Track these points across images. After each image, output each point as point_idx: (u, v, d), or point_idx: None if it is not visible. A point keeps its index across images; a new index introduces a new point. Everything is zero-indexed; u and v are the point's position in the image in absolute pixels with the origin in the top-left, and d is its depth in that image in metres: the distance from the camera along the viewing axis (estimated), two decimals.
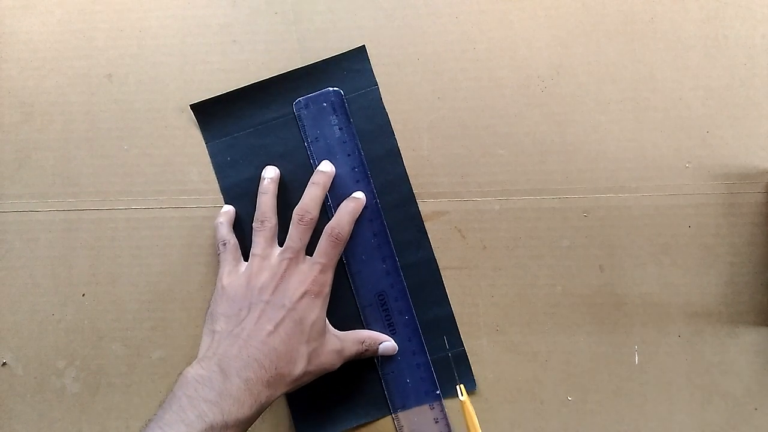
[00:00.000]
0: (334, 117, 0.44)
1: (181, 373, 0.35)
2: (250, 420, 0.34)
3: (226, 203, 0.45)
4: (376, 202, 0.44)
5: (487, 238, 0.44)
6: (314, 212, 0.42)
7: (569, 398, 0.43)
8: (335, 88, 0.44)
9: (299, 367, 0.37)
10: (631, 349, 0.44)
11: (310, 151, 0.44)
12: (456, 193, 0.44)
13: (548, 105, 0.44)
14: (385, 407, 0.43)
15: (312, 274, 0.40)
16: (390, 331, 0.44)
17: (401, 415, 0.43)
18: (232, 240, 0.43)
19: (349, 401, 0.43)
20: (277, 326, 0.38)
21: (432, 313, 0.44)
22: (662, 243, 0.44)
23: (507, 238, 0.44)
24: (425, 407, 0.43)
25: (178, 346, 0.44)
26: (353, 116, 0.45)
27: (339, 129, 0.44)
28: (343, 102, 0.44)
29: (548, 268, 0.44)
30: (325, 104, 0.44)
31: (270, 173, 0.43)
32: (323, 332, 0.40)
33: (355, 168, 0.44)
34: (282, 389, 0.37)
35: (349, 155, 0.44)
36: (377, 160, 0.44)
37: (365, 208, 0.44)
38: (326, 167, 0.43)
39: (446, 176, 0.44)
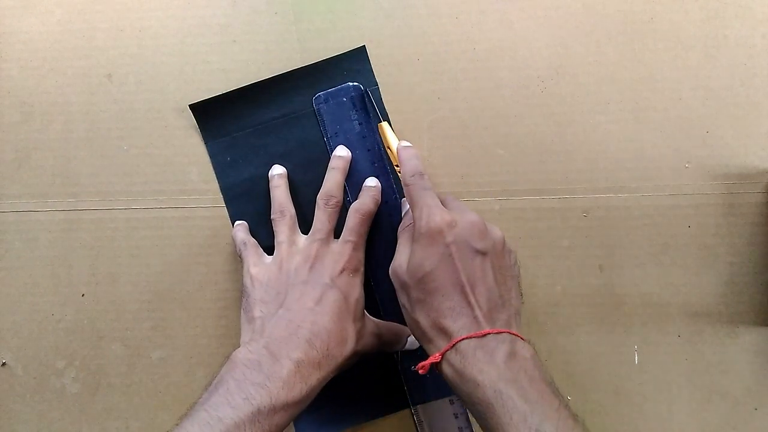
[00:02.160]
0: (354, 112, 0.44)
1: (228, 357, 0.34)
2: (300, 404, 0.33)
3: (226, 203, 0.45)
4: (396, 197, 0.44)
5: None
6: (338, 195, 0.42)
7: (569, 398, 0.43)
8: (355, 84, 0.44)
9: (349, 347, 0.36)
10: (630, 349, 0.44)
11: (330, 146, 0.44)
12: (456, 193, 0.44)
13: (548, 105, 0.44)
14: (405, 401, 0.43)
15: (346, 252, 0.40)
16: None
17: (420, 409, 0.43)
18: (251, 240, 0.43)
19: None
20: (321, 304, 0.36)
21: None
22: (662, 243, 0.44)
23: (507, 237, 0.44)
24: (445, 402, 0.43)
25: (178, 346, 0.44)
26: None
27: (359, 124, 0.44)
28: (363, 97, 0.44)
29: (548, 268, 0.44)
30: (344, 99, 0.44)
31: (278, 170, 0.44)
32: (363, 313, 0.39)
33: (375, 163, 0.44)
34: (332, 371, 0.35)
35: (369, 150, 0.44)
36: None
37: (386, 203, 0.44)
38: (342, 152, 0.43)
39: (446, 176, 0.44)
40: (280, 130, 0.45)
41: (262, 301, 0.38)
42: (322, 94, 0.44)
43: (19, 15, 0.46)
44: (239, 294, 0.44)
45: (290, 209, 0.42)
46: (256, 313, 0.38)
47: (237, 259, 0.44)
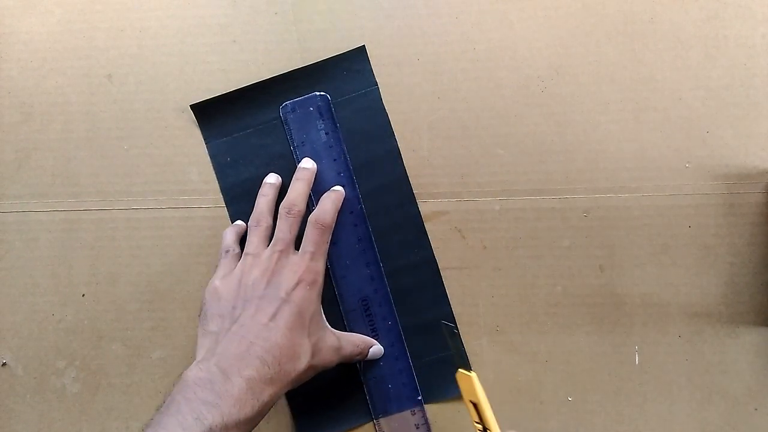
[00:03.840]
0: (321, 122, 0.44)
1: (180, 376, 0.34)
2: (252, 421, 0.33)
3: (226, 203, 0.45)
4: (361, 207, 0.44)
5: (487, 238, 0.44)
6: (301, 205, 0.41)
7: (569, 398, 0.43)
8: (322, 93, 0.44)
9: (303, 362, 0.36)
10: (631, 349, 0.44)
11: (296, 155, 0.44)
12: (456, 193, 0.44)
13: (548, 105, 0.44)
14: (367, 413, 0.43)
15: (303, 263, 0.39)
16: (373, 336, 0.43)
17: (383, 421, 0.43)
18: (235, 249, 0.42)
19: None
20: (275, 319, 0.37)
21: (432, 313, 0.44)
22: (662, 243, 0.44)
23: (507, 238, 0.44)
24: (407, 413, 0.43)
25: (178, 346, 0.44)
26: (353, 116, 0.45)
27: (325, 134, 0.44)
28: (330, 107, 0.44)
29: (548, 268, 0.44)
30: (311, 109, 0.44)
31: (272, 179, 0.44)
32: (321, 326, 0.39)
33: (340, 173, 0.44)
34: (285, 387, 0.35)
35: (335, 160, 0.44)
36: (377, 161, 0.44)
37: (350, 213, 0.44)
38: (308, 164, 0.43)
39: (446, 176, 0.44)
40: (281, 130, 0.45)
41: (218, 314, 0.38)
42: (289, 103, 0.44)
43: (19, 15, 0.46)
44: None
45: (267, 221, 0.42)
46: (212, 327, 0.38)
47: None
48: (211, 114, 0.45)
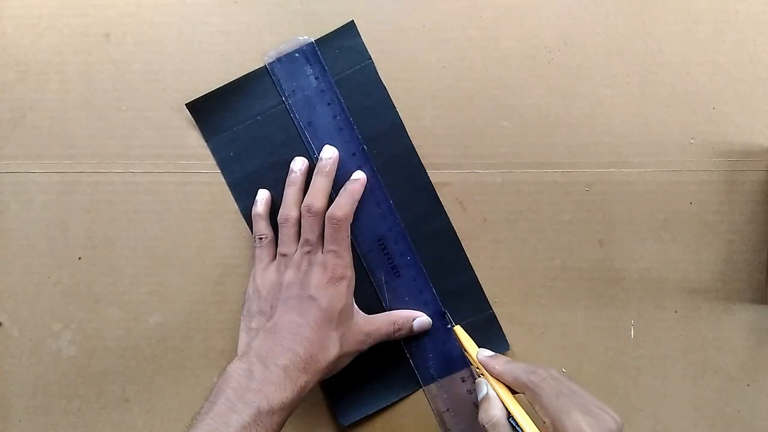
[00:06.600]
0: (309, 67, 0.43)
1: (224, 369, 0.37)
2: (294, 403, 0.36)
3: (235, 198, 0.44)
4: (363, 148, 0.43)
5: (488, 210, 0.44)
6: (319, 203, 0.42)
7: (563, 370, 0.44)
8: (305, 37, 0.43)
9: (332, 352, 0.39)
10: (627, 324, 0.44)
11: (288, 105, 0.43)
12: (458, 165, 0.44)
13: (554, 77, 0.44)
14: (415, 382, 0.44)
15: (330, 263, 0.41)
16: (394, 273, 0.44)
17: (433, 387, 0.44)
18: (269, 235, 0.43)
19: (379, 380, 0.44)
20: (305, 317, 0.39)
21: (456, 280, 0.44)
22: (663, 219, 0.44)
23: (508, 210, 0.44)
24: (457, 379, 0.44)
25: (175, 311, 0.44)
26: (351, 94, 0.44)
27: (315, 78, 0.43)
28: (316, 50, 0.43)
29: (548, 241, 0.44)
30: (297, 55, 0.43)
31: (298, 165, 0.43)
32: (351, 316, 0.41)
33: (336, 116, 0.44)
34: (319, 374, 0.38)
35: (329, 104, 0.44)
36: (381, 135, 0.44)
37: (353, 155, 0.43)
38: (328, 153, 0.43)
39: (449, 147, 0.44)
40: (279, 118, 0.44)
41: (258, 312, 0.41)
42: (273, 52, 0.43)
43: None
44: (237, 261, 0.44)
45: (295, 216, 0.42)
46: (252, 324, 0.41)
47: (236, 225, 0.44)
48: (207, 110, 0.44)
